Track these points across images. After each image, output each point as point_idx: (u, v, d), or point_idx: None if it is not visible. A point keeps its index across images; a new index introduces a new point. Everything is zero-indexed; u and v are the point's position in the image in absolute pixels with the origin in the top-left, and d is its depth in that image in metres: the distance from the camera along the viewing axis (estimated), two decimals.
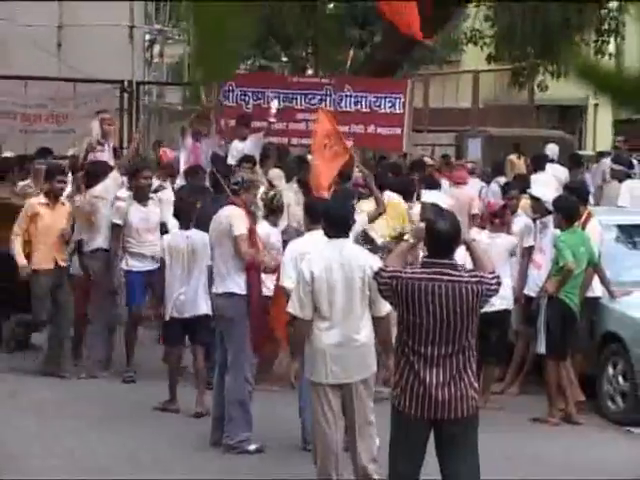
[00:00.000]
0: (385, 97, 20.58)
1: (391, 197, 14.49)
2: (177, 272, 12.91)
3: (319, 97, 20.62)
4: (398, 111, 20.51)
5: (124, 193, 15.20)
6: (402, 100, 20.55)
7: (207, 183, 16.19)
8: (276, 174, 16.73)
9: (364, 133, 20.35)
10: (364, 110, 20.47)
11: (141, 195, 14.95)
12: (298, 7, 30.75)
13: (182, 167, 18.39)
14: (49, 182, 14.79)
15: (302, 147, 19.82)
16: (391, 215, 13.73)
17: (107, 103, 24.55)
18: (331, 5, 33.02)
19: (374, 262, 9.63)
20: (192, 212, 13.22)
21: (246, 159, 16.92)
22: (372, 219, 13.23)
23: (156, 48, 41.31)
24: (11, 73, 26.80)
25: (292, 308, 9.86)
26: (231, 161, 17.69)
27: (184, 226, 13.09)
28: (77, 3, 29.10)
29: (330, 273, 9.63)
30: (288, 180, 16.51)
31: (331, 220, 9.90)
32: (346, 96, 20.62)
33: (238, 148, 18.57)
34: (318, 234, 10.71)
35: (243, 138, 18.95)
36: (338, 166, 15.86)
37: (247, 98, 20.90)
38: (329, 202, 11.52)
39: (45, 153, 18.98)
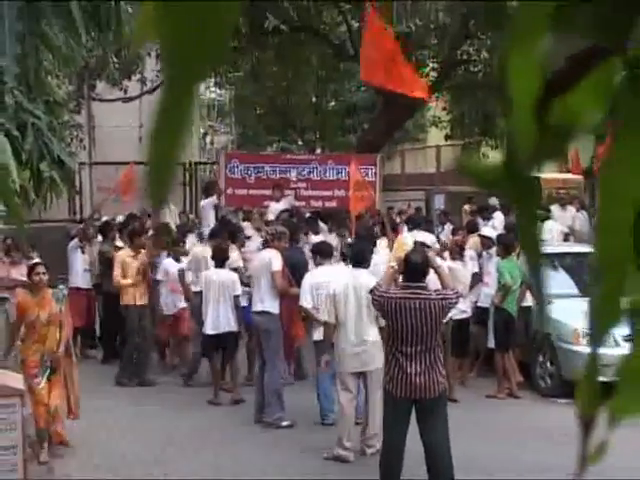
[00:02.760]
0: (360, 168, 19.46)
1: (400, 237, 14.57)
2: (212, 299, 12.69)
3: (308, 169, 20.21)
4: (371, 179, 19.90)
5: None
6: (374, 170, 20.15)
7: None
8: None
9: (344, 196, 19.47)
10: (344, 178, 19.76)
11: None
12: (309, 105, 31.00)
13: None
14: (135, 239, 14.40)
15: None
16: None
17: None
18: (332, 102, 33.19)
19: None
20: (224, 256, 12.94)
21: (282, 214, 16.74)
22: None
23: (208, 138, 41.54)
24: (107, 160, 27.16)
25: (324, 316, 10.46)
26: (271, 217, 17.19)
27: (218, 266, 12.88)
28: (153, 106, 29.29)
29: (347, 292, 10.16)
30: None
31: (353, 256, 10.47)
32: (330, 168, 20.19)
33: (274, 208, 18.20)
34: (327, 268, 11.58)
35: (277, 200, 18.76)
36: (363, 206, 16.44)
37: (250, 172, 20.34)
38: (354, 243, 11.58)
39: (134, 217, 18.33)
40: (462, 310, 12.66)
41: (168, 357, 15.62)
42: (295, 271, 12.68)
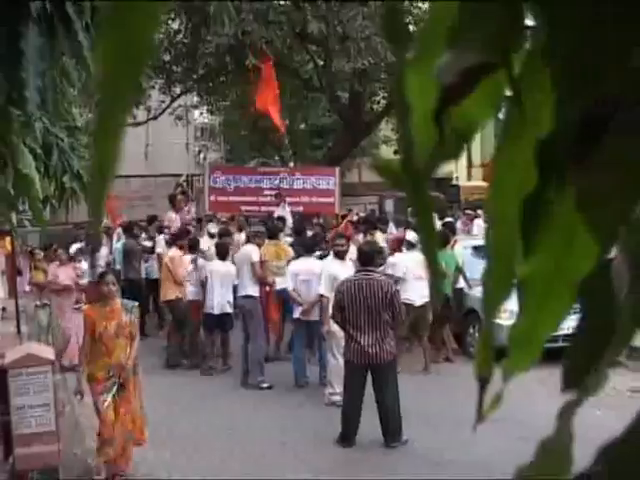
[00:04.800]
0: (323, 179, 20.03)
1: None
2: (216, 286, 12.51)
3: (279, 180, 20.01)
4: (331, 187, 19.91)
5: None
6: (334, 180, 20.00)
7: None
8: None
9: (309, 202, 19.79)
10: (309, 187, 19.89)
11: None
12: (285, 127, 31.05)
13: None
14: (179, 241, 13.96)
15: (269, 213, 19.00)
16: None
17: (173, 188, 24.86)
18: (303, 125, 33.26)
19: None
20: (226, 250, 12.76)
21: (279, 219, 16.59)
22: None
23: (201, 154, 41.55)
24: (118, 174, 27.11)
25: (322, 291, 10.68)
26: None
27: (220, 258, 12.67)
28: (157, 129, 29.18)
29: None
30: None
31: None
32: (297, 179, 20.08)
33: (277, 212, 18.18)
34: (306, 259, 11.64)
35: (277, 205, 18.75)
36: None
37: (230, 182, 20.09)
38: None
39: (155, 219, 18.23)
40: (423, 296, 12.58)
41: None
42: None
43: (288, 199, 19.41)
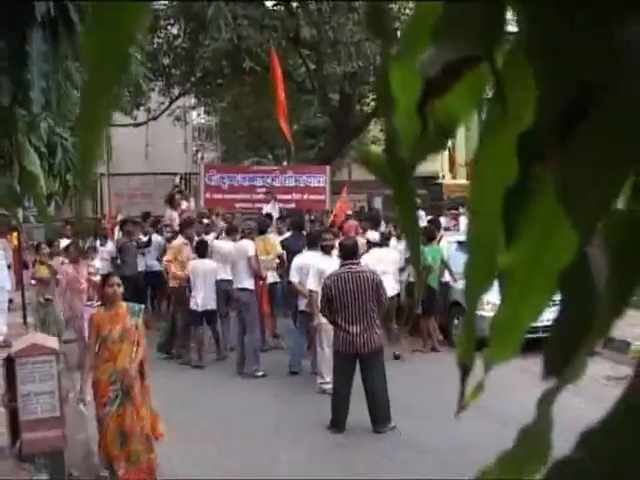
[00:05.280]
0: (313, 177, 19.85)
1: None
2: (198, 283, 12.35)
3: (271, 178, 19.75)
4: (322, 185, 19.73)
5: None
6: (324, 178, 19.83)
7: None
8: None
9: (301, 199, 19.53)
10: (301, 185, 19.65)
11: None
12: (277, 128, 31.01)
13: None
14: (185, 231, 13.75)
15: (260, 210, 18.57)
16: None
17: (172, 186, 24.90)
18: (295, 126, 33.24)
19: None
20: (205, 248, 12.57)
21: (267, 216, 16.18)
22: None
23: (199, 154, 41.53)
24: (120, 172, 27.08)
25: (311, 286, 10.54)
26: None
27: (200, 256, 12.52)
28: (156, 129, 29.08)
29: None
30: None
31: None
32: (289, 177, 19.81)
33: (265, 209, 17.90)
34: (311, 253, 11.38)
35: (267, 202, 18.45)
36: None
37: (224, 180, 19.78)
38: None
39: (149, 215, 18.12)
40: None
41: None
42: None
43: (280, 196, 19.33)
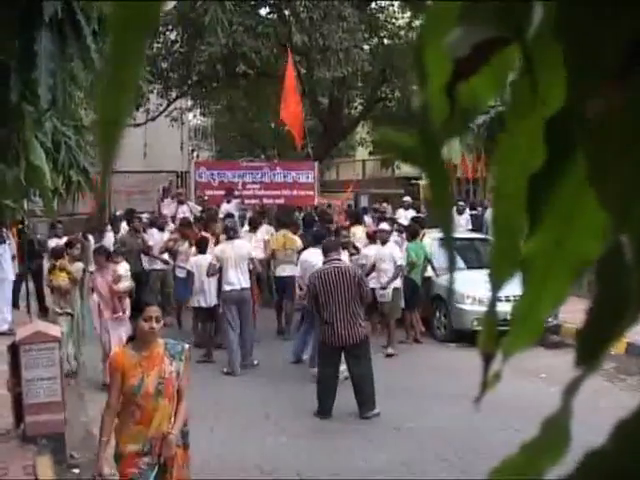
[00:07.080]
0: (302, 173, 19.52)
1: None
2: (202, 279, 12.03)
3: (260, 174, 19.35)
4: (310, 181, 19.44)
5: None
6: (313, 174, 19.54)
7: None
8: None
9: (289, 195, 19.28)
10: (289, 181, 19.33)
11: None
12: (269, 129, 30.98)
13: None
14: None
15: (251, 205, 18.37)
16: None
17: (168, 183, 24.84)
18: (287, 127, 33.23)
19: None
20: (207, 245, 12.37)
21: (228, 215, 15.53)
22: None
23: (195, 153, 41.48)
24: (120, 169, 26.95)
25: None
26: (221, 216, 15.39)
27: (200, 252, 12.33)
28: (154, 130, 28.90)
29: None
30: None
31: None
32: (277, 173, 19.47)
33: (224, 208, 17.03)
34: (317, 250, 10.91)
35: (228, 202, 17.67)
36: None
37: (214, 177, 19.29)
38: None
39: (133, 212, 16.39)
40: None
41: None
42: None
43: (270, 192, 19.14)
